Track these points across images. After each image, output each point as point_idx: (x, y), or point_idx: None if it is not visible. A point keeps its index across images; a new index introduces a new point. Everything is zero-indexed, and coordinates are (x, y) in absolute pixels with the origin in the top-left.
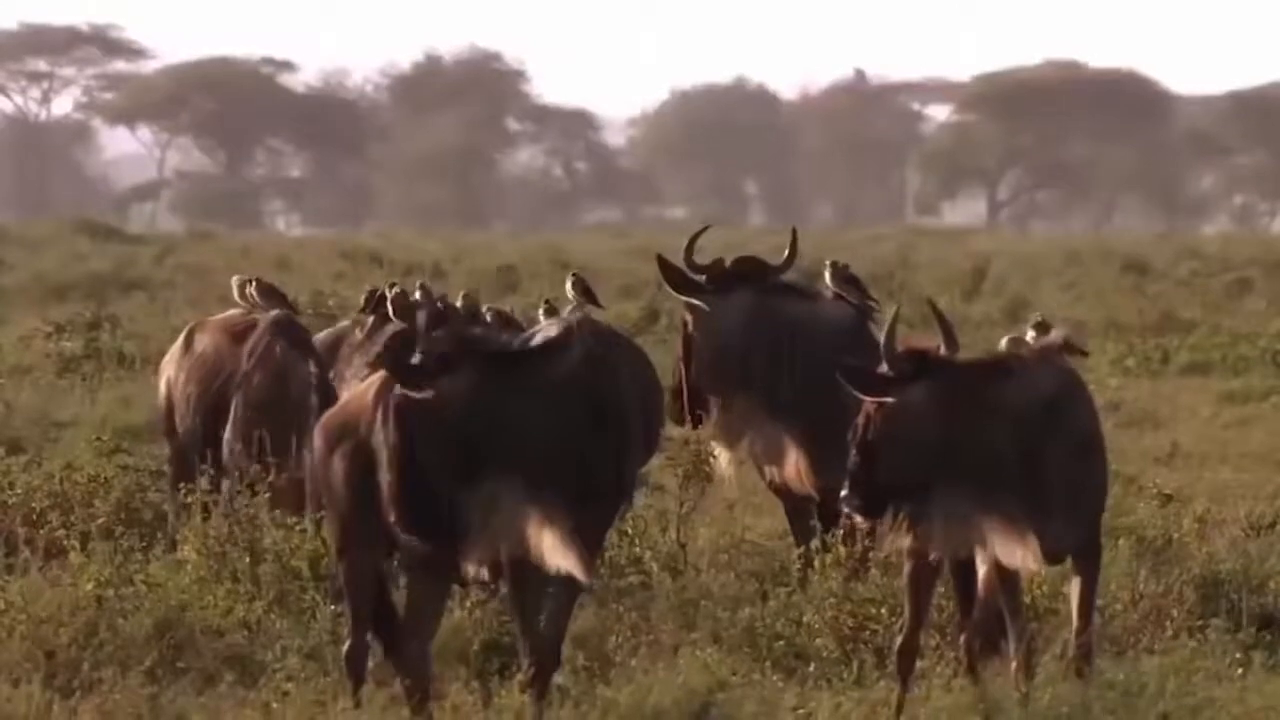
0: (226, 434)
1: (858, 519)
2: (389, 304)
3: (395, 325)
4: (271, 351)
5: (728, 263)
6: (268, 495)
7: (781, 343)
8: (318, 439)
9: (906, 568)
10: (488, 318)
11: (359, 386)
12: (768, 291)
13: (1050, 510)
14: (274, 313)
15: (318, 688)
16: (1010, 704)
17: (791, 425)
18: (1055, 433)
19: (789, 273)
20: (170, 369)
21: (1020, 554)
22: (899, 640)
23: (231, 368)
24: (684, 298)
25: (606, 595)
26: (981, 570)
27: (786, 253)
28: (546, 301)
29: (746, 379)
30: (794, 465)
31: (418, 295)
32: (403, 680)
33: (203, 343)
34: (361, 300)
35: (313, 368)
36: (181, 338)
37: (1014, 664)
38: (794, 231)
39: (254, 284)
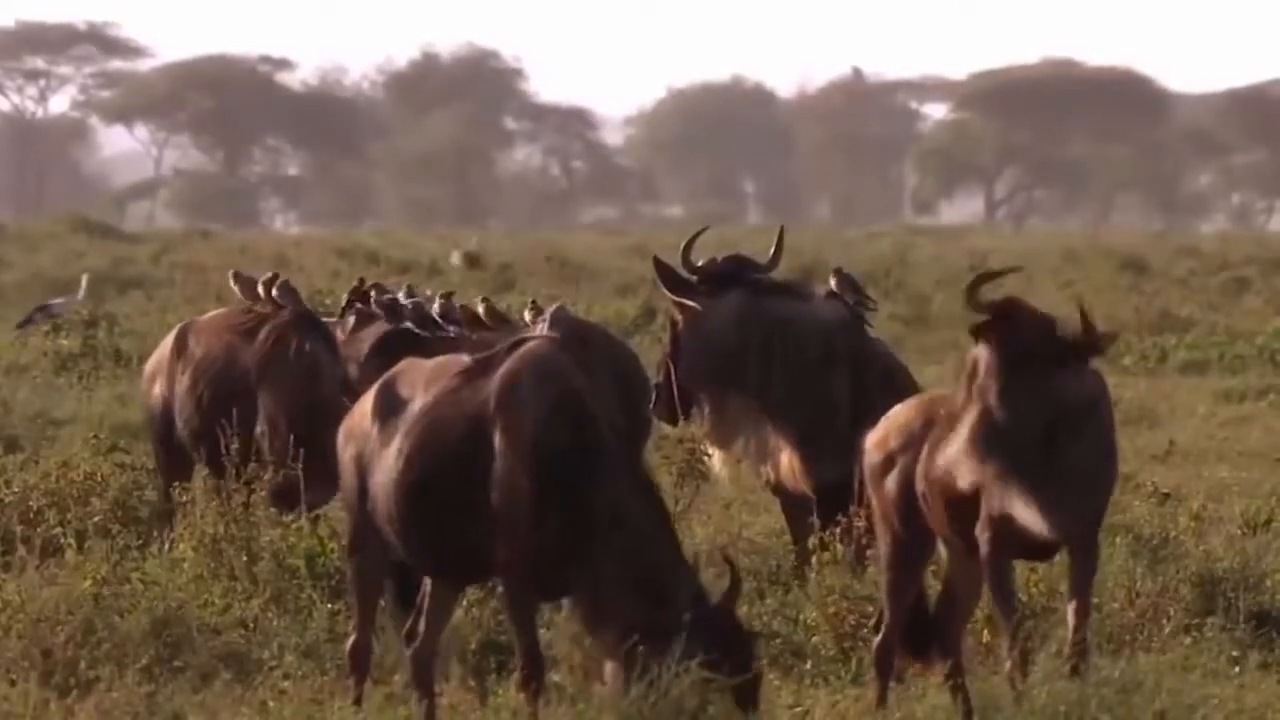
0: (260, 430)
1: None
2: (375, 305)
3: (380, 324)
4: (301, 349)
5: (719, 262)
6: (264, 493)
7: (773, 342)
8: (338, 440)
9: (888, 576)
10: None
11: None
12: (759, 291)
13: (1061, 498)
14: (295, 309)
15: (315, 686)
16: (1006, 702)
17: (784, 424)
18: (1086, 428)
19: (782, 272)
20: (163, 376)
21: (1032, 518)
22: (877, 640)
23: (246, 365)
24: (677, 298)
25: None
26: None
27: (772, 251)
28: (533, 302)
29: (739, 378)
30: (787, 464)
31: (400, 296)
32: (410, 670)
33: (205, 344)
34: (344, 299)
35: (339, 366)
36: (170, 342)
37: (1009, 662)
38: (780, 230)
39: (278, 282)
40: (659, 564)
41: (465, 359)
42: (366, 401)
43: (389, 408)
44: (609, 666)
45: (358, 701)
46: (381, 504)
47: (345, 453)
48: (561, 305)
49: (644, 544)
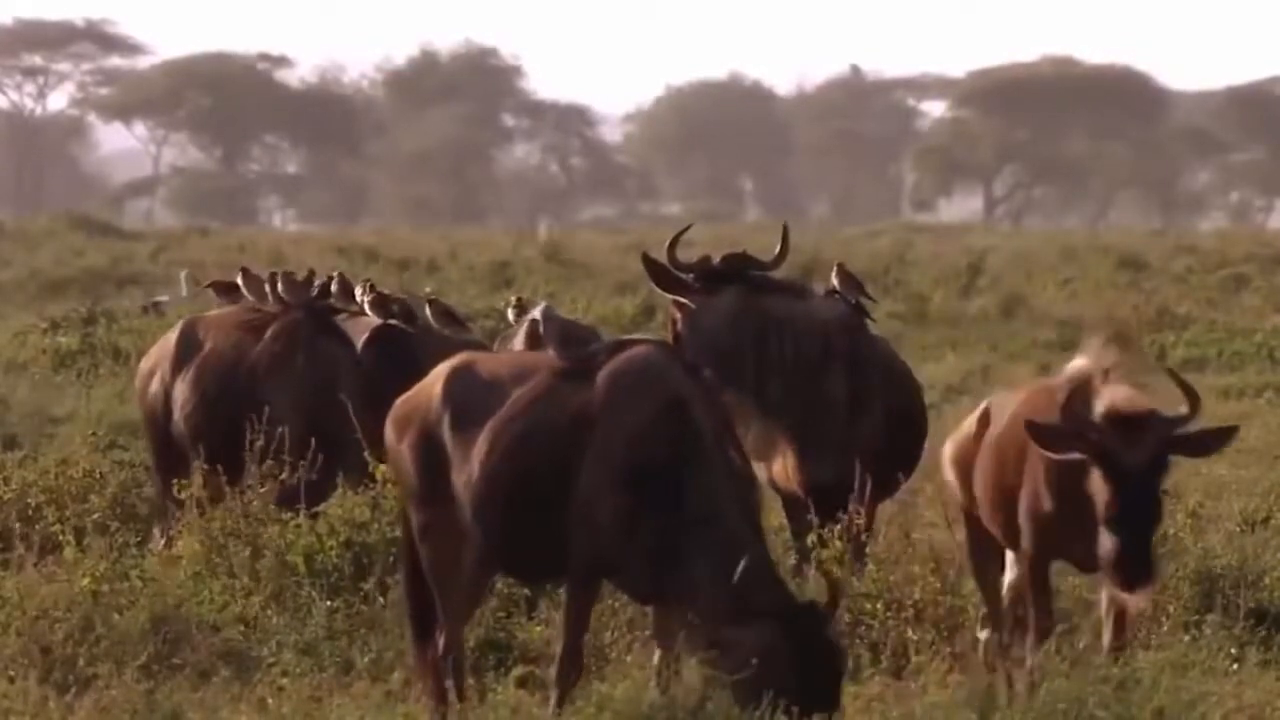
0: (265, 428)
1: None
2: (367, 302)
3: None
4: (314, 347)
5: (716, 259)
6: (265, 491)
7: (769, 341)
8: (388, 428)
9: (1029, 575)
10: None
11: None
12: (756, 289)
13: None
14: (308, 307)
15: (313, 683)
16: (1006, 699)
17: (780, 424)
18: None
19: (781, 271)
20: (163, 372)
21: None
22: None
23: (254, 362)
24: (671, 295)
25: (603, 591)
26: (1010, 575)
27: (778, 249)
28: (517, 299)
29: (735, 377)
30: (781, 464)
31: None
32: (434, 667)
33: (213, 340)
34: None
35: (354, 361)
36: (174, 337)
37: (1030, 662)
38: (785, 228)
39: (280, 278)
40: (749, 562)
41: (547, 355)
42: (432, 388)
43: (467, 398)
44: (692, 666)
45: (441, 706)
46: (464, 495)
47: (404, 438)
48: (549, 305)
49: (734, 542)
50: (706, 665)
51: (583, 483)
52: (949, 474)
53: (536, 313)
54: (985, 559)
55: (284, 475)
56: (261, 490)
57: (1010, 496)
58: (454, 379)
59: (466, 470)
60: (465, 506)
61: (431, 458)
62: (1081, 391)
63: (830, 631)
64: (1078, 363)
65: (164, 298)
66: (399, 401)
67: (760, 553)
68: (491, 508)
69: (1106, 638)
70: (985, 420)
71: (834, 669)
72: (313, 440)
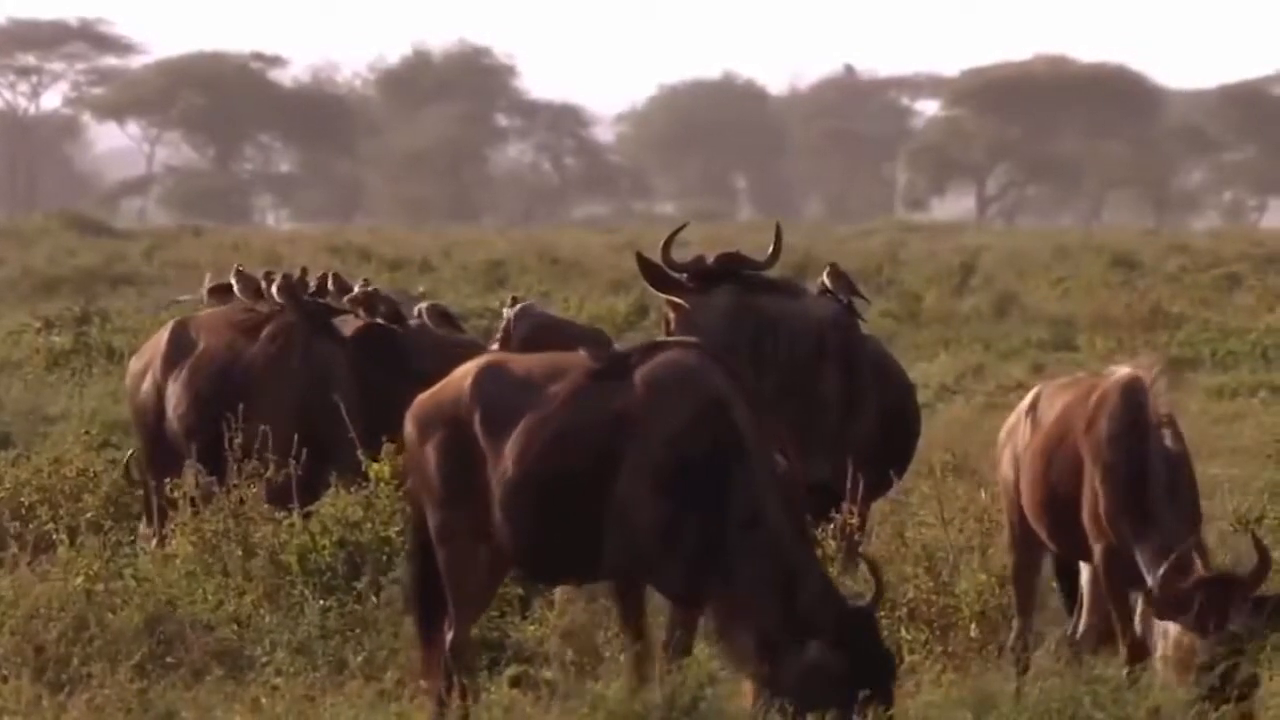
0: (260, 428)
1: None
2: (362, 301)
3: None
4: (309, 350)
5: (710, 259)
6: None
7: (764, 340)
8: (409, 426)
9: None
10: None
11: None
12: (749, 288)
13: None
14: (303, 309)
15: (307, 682)
16: (1001, 699)
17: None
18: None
19: (774, 269)
20: (155, 371)
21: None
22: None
23: (248, 363)
24: (664, 295)
25: (596, 590)
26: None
27: (771, 249)
28: (513, 298)
29: None
30: None
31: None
32: (443, 668)
33: (206, 339)
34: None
35: (350, 364)
36: (166, 337)
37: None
38: (778, 227)
39: (277, 282)
40: (794, 566)
41: (580, 355)
42: (460, 385)
43: (499, 397)
44: (747, 686)
45: (473, 698)
46: (496, 494)
47: (430, 437)
48: (530, 302)
49: (780, 545)
50: (757, 680)
51: (621, 484)
52: (1006, 469)
53: (511, 311)
54: (1029, 557)
55: (270, 474)
56: (252, 491)
57: (1059, 497)
58: (484, 377)
59: (499, 469)
60: (496, 505)
61: (460, 457)
62: (1182, 563)
63: (883, 642)
64: (1126, 371)
65: (187, 297)
66: (420, 400)
67: (805, 556)
68: (525, 506)
69: (1124, 651)
70: (1034, 412)
71: (887, 678)
72: (306, 440)
